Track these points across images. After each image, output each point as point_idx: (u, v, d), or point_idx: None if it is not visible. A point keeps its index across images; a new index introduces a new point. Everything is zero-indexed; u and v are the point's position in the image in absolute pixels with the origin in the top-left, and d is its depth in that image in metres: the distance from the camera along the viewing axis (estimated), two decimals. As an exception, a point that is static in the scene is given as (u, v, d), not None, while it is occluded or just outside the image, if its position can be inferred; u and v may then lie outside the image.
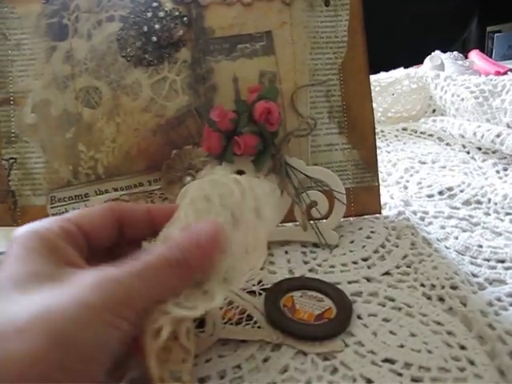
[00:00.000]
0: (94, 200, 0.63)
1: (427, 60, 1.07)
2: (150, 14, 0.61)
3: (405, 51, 1.39)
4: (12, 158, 0.63)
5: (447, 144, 0.85)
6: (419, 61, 1.16)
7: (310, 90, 0.62)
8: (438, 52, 1.10)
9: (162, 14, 0.60)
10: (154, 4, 0.61)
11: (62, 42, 0.62)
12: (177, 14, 0.61)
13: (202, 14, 0.61)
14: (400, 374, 0.42)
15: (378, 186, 0.65)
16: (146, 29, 0.61)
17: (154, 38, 0.61)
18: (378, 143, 0.86)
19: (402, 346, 0.45)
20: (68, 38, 0.62)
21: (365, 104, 0.64)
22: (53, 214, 0.63)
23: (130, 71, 0.62)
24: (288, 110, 0.61)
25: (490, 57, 1.70)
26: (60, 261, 0.34)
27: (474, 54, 1.22)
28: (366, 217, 0.65)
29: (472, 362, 0.43)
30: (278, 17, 0.61)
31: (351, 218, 0.64)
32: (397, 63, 1.10)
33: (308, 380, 0.42)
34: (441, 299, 0.51)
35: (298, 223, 0.60)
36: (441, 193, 0.70)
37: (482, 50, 1.76)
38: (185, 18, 0.61)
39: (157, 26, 0.60)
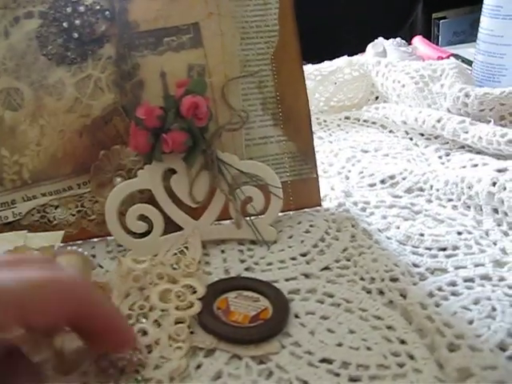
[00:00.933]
0: (21, 206, 0.60)
1: (369, 47, 1.06)
2: (69, 10, 0.58)
3: (349, 39, 1.38)
4: None
5: (390, 131, 0.84)
6: (365, 48, 1.15)
7: (241, 81, 0.60)
8: (380, 39, 1.09)
9: (82, 8, 0.58)
10: (74, -2, 0.58)
11: (-23, 41, 0.59)
12: (98, 7, 0.58)
13: (126, 7, 0.58)
14: (337, 374, 0.41)
15: (317, 177, 0.63)
16: (66, 25, 0.58)
17: (76, 35, 0.58)
18: (321, 133, 0.84)
19: (340, 345, 0.44)
20: (-17, 37, 0.59)
21: (299, 94, 0.62)
22: (-22, 224, 0.60)
23: (53, 70, 0.59)
24: (219, 104, 0.59)
25: (437, 43, 1.70)
26: None
27: (418, 40, 1.21)
28: (305, 210, 0.63)
29: (412, 357, 0.42)
30: (204, 8, 0.59)
31: (291, 212, 0.62)
32: (341, 52, 1.09)
33: (242, 385, 0.40)
34: (381, 292, 0.50)
35: (234, 220, 0.58)
36: (383, 181, 0.69)
37: (429, 37, 1.76)
38: (107, 12, 0.58)
39: (77, 22, 0.58)
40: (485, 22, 0.89)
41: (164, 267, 0.48)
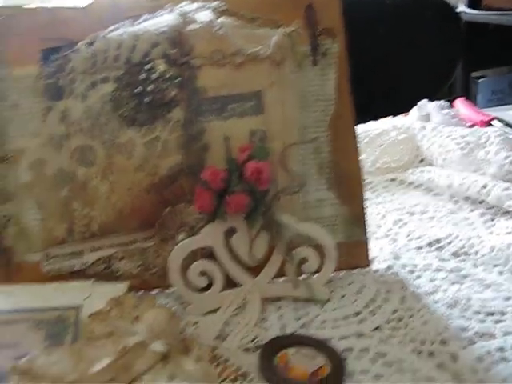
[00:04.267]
0: (88, 257, 0.63)
1: (414, 110, 1.10)
2: (143, 76, 0.62)
3: (393, 98, 1.41)
4: (7, 216, 0.64)
5: (435, 194, 0.87)
6: (407, 107, 1.18)
7: (299, 147, 0.64)
8: (424, 101, 1.12)
9: (155, 75, 0.62)
10: (148, 66, 0.62)
11: (57, 102, 0.64)
12: (169, 75, 0.62)
13: (195, 75, 0.63)
14: (392, 434, 0.43)
15: (367, 240, 0.66)
16: (139, 90, 0.62)
17: (148, 99, 0.62)
18: (368, 194, 0.87)
19: (393, 404, 0.46)
20: (63, 99, 0.64)
21: (352, 159, 0.65)
22: (47, 272, 0.63)
23: (124, 131, 0.63)
24: (278, 167, 0.63)
25: (475, 102, 1.73)
26: None
27: (459, 103, 1.24)
28: (356, 271, 0.66)
29: (464, 420, 0.44)
30: (267, 77, 0.63)
31: (341, 273, 0.65)
32: (385, 110, 1.12)
33: None
34: (431, 354, 0.52)
35: (290, 279, 0.61)
36: (430, 244, 0.71)
37: (467, 95, 1.79)
38: (177, 80, 0.62)
39: (150, 88, 0.62)
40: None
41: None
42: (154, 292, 0.64)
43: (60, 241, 0.64)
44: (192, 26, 0.63)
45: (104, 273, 0.64)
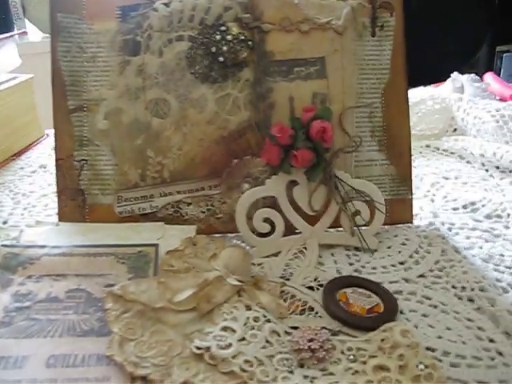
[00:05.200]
0: (158, 201, 0.70)
1: (448, 82, 1.15)
2: (218, 37, 0.68)
3: (421, 70, 1.46)
4: (83, 160, 0.71)
5: (467, 162, 0.93)
6: (434, 78, 1.24)
7: (355, 111, 0.70)
8: (457, 74, 1.18)
9: (229, 37, 0.68)
10: (223, 28, 0.68)
11: (135, 57, 0.69)
12: (242, 37, 0.68)
13: (264, 39, 0.69)
14: (440, 360, 0.50)
15: (411, 198, 0.72)
16: (214, 49, 0.68)
17: (221, 59, 0.68)
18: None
19: (440, 338, 0.53)
20: (140, 54, 0.69)
21: (403, 125, 0.72)
22: (119, 213, 0.70)
23: (197, 86, 0.69)
24: (335, 129, 0.69)
25: (499, 75, 1.77)
26: None
27: (489, 76, 1.29)
28: (399, 225, 0.72)
29: (500, 353, 0.51)
30: (330, 45, 0.69)
31: (386, 226, 0.72)
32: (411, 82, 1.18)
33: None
34: (470, 300, 0.59)
35: (341, 229, 0.68)
36: (465, 206, 0.78)
37: (491, 69, 1.83)
38: (249, 42, 0.68)
39: (225, 48, 0.68)
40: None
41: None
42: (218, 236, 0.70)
43: (133, 185, 0.70)
44: (266, -7, 0.69)
45: (172, 216, 0.71)
